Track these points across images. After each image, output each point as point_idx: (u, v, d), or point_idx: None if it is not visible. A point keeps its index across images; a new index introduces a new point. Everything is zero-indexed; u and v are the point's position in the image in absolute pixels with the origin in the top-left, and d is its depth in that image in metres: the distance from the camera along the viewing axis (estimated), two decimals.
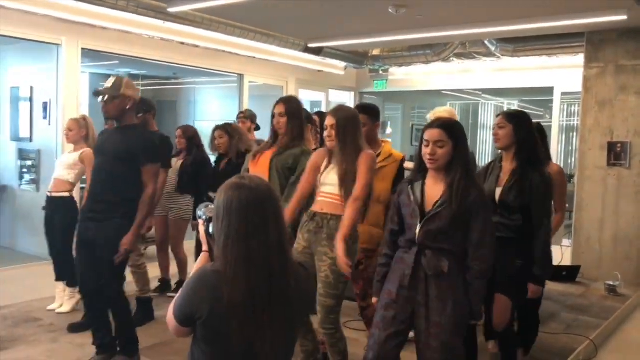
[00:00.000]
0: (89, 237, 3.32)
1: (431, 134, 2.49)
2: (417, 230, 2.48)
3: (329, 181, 3.01)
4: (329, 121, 3.01)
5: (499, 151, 3.21)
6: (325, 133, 3.04)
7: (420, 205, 2.51)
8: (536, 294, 3.02)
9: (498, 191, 3.05)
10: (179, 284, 4.99)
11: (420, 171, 2.59)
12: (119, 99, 3.30)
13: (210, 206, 1.79)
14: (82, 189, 4.66)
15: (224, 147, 4.62)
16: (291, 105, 3.40)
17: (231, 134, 4.60)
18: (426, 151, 2.49)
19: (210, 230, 1.74)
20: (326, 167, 3.06)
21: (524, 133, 3.02)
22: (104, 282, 3.30)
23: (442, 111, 3.97)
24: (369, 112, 3.59)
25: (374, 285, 2.74)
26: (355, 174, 2.91)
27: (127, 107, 3.34)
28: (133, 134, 3.36)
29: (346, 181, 2.91)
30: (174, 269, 5.13)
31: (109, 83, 3.32)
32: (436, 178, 2.54)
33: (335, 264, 2.87)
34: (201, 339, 1.63)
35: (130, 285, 4.56)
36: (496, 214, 3.01)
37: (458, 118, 4.00)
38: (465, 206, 2.44)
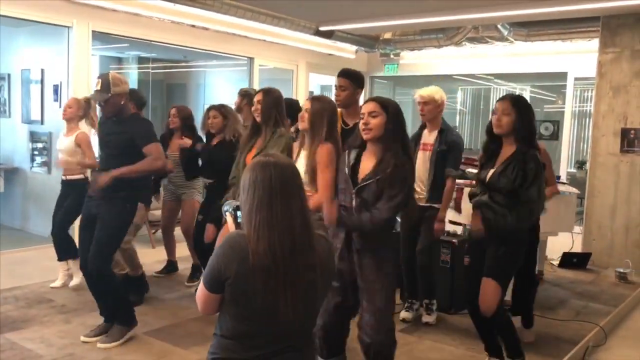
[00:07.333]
0: (91, 213, 3.53)
1: (366, 106, 2.69)
2: (353, 200, 2.68)
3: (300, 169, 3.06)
4: (305, 105, 3.10)
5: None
6: (300, 115, 3.14)
7: (353, 174, 2.71)
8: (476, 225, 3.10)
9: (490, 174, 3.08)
10: (194, 268, 4.98)
11: (360, 141, 2.76)
12: (111, 99, 3.47)
13: (232, 202, 1.90)
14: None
15: (217, 128, 4.61)
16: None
17: (225, 115, 4.61)
18: (361, 122, 2.69)
19: (239, 219, 1.82)
20: (297, 155, 3.17)
21: (526, 120, 3.02)
22: (89, 257, 3.42)
23: (429, 90, 4.00)
24: (351, 77, 3.64)
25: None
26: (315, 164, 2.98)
27: (121, 102, 3.53)
28: (128, 124, 3.56)
29: (312, 174, 2.99)
30: (179, 252, 5.18)
31: (98, 85, 3.46)
32: (371, 151, 2.72)
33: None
34: (228, 302, 1.72)
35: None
36: (484, 195, 3.08)
37: (444, 98, 4.04)
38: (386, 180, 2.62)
